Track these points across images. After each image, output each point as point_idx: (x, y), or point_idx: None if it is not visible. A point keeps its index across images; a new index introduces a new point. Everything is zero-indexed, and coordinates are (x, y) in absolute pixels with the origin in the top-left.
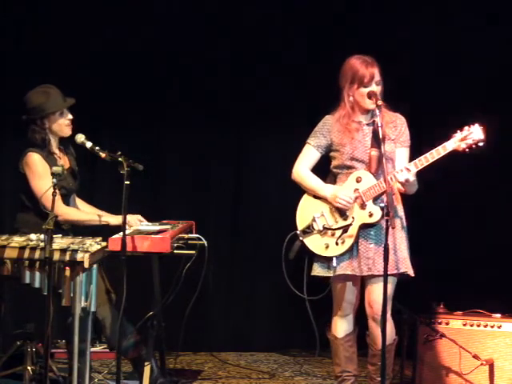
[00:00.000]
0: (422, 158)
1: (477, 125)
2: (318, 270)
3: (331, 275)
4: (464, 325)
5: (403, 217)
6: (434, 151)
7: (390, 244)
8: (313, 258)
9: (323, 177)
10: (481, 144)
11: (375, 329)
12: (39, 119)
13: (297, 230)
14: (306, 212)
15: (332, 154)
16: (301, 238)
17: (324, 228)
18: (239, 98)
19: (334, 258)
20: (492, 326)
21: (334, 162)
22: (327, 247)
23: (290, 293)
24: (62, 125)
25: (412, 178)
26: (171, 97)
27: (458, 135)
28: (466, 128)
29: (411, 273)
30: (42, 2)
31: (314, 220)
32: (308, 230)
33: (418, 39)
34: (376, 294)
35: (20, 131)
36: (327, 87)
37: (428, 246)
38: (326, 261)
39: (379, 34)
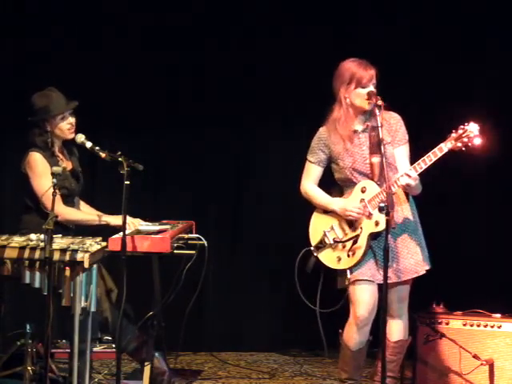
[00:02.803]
0: (420, 161)
1: (472, 123)
2: (340, 284)
3: (348, 285)
4: (464, 325)
5: (414, 216)
6: (431, 153)
7: (405, 249)
8: (328, 271)
9: (327, 187)
10: (477, 142)
11: (390, 322)
12: (41, 122)
13: (310, 246)
14: (318, 228)
15: (333, 165)
16: (315, 254)
17: (334, 241)
18: (239, 99)
19: (348, 271)
20: (492, 326)
21: (336, 175)
22: (339, 260)
23: (290, 292)
24: (63, 128)
25: (413, 182)
26: (171, 97)
27: (454, 135)
28: (461, 127)
29: (427, 268)
30: (42, 2)
31: (324, 235)
32: (320, 245)
33: None
34: (392, 297)
35: (20, 131)
36: (328, 87)
37: (428, 245)
38: (343, 274)
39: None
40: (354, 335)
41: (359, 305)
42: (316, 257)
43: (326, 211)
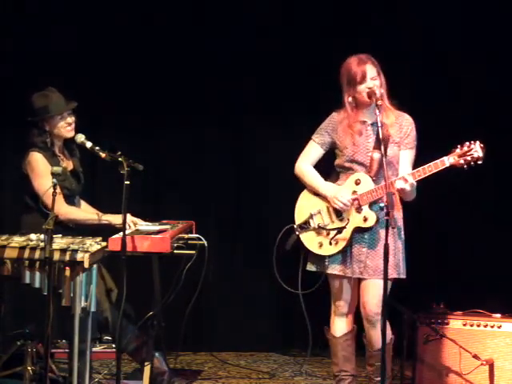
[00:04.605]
0: (420, 169)
1: (477, 142)
2: (310, 266)
3: (319, 271)
4: (464, 325)
5: (401, 220)
6: (432, 164)
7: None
8: (307, 254)
9: (326, 172)
10: (479, 162)
11: (370, 330)
12: (40, 122)
13: (294, 223)
14: (305, 207)
15: (336, 151)
16: (297, 233)
17: (319, 227)
18: (239, 98)
19: (327, 258)
20: (492, 326)
21: (337, 160)
22: (321, 246)
23: (290, 292)
24: (62, 128)
25: (409, 188)
26: (171, 97)
27: (458, 151)
28: (467, 144)
29: (402, 276)
30: (43, 2)
31: (310, 217)
32: (305, 226)
33: None
34: (369, 295)
35: (20, 131)
36: (328, 87)
37: (428, 246)
38: (317, 259)
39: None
40: (335, 321)
41: (335, 296)
42: (298, 236)
43: (316, 193)
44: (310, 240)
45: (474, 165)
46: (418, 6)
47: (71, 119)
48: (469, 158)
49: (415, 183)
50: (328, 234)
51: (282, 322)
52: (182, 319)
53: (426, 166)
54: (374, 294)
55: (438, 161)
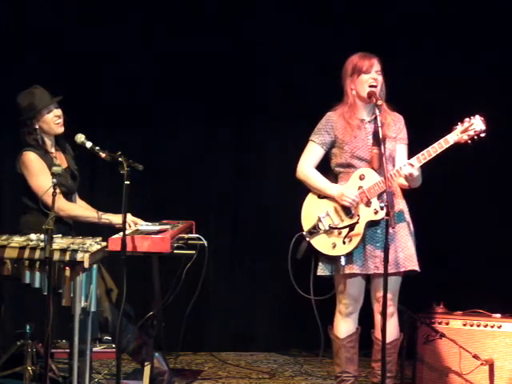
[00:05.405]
0: (424, 152)
1: (477, 116)
2: (322, 271)
3: (334, 274)
4: (464, 325)
5: (407, 213)
6: (436, 145)
7: (396, 242)
8: (318, 258)
9: (323, 175)
10: (482, 135)
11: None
12: (28, 120)
13: (302, 230)
14: (311, 212)
15: (334, 150)
16: (307, 239)
17: (330, 227)
18: (239, 98)
19: (342, 257)
20: (492, 326)
21: (335, 160)
22: (334, 246)
23: (290, 292)
24: (51, 122)
25: (416, 172)
26: (171, 96)
27: (459, 127)
28: (467, 120)
29: (417, 268)
30: (42, 2)
31: (319, 220)
32: (314, 231)
33: None
34: (380, 289)
35: (19, 132)
36: (328, 86)
37: (428, 245)
38: (331, 261)
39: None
40: (340, 322)
41: (344, 294)
42: (308, 242)
43: (321, 196)
44: (322, 243)
45: (478, 139)
46: (417, 5)
47: (58, 112)
48: (472, 133)
49: (420, 168)
50: (340, 234)
51: (282, 322)
52: (181, 319)
53: (429, 148)
54: (388, 288)
55: (441, 140)
